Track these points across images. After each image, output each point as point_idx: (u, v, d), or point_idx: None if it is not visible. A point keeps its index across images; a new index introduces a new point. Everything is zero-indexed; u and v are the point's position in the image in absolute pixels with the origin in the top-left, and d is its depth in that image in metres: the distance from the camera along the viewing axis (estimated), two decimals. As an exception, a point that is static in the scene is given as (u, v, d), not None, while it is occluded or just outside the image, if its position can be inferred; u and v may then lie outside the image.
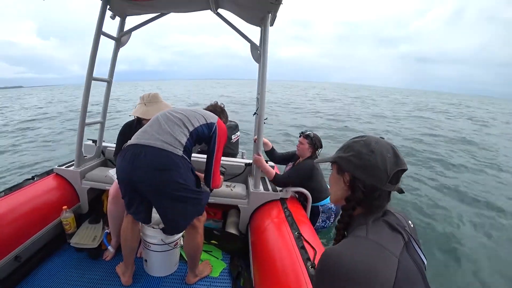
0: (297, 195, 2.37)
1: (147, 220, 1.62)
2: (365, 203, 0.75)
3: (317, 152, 2.34)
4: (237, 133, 3.04)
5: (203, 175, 1.71)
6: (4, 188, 1.91)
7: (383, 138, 0.79)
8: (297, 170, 2.19)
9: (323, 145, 2.38)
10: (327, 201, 2.31)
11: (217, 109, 1.90)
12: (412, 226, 0.80)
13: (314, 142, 2.29)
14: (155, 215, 1.63)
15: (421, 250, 0.72)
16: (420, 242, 0.77)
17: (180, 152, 1.45)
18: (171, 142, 1.44)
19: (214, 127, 1.63)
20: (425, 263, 0.72)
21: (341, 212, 0.81)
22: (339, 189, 0.80)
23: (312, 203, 2.27)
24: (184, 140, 1.48)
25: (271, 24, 2.03)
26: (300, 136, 2.38)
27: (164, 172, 1.40)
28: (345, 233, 0.80)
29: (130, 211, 1.57)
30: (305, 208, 2.24)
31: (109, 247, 1.95)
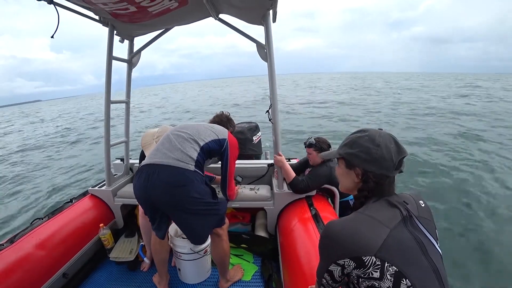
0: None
1: (165, 236, 1.68)
2: (376, 190, 0.82)
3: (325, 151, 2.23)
4: (258, 134, 3.03)
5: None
6: (47, 212, 2.08)
7: (382, 129, 0.86)
8: (315, 176, 2.07)
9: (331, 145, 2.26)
10: None
11: (223, 119, 1.93)
12: (423, 205, 0.84)
13: (321, 147, 2.18)
14: (178, 228, 1.68)
15: (427, 230, 0.78)
16: (432, 223, 0.82)
17: (192, 167, 1.48)
18: (183, 158, 1.48)
19: (225, 143, 1.66)
20: (434, 242, 0.77)
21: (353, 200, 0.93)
22: (351, 181, 0.88)
23: (342, 198, 2.19)
24: (195, 155, 1.51)
25: (274, 20, 1.98)
26: (305, 147, 2.26)
27: (179, 189, 1.44)
28: None
29: (153, 227, 1.64)
30: (333, 204, 2.17)
31: (145, 259, 2.05)
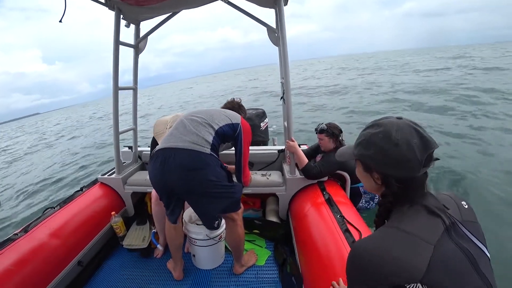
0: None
1: (178, 221, 1.68)
2: (402, 195, 0.68)
3: (340, 138, 2.21)
4: (265, 120, 3.01)
5: (233, 166, 1.75)
6: (59, 201, 2.07)
7: (401, 118, 0.69)
8: (328, 162, 2.06)
9: (342, 130, 2.24)
10: None
11: (234, 106, 1.91)
12: (466, 207, 0.72)
13: (332, 132, 2.16)
14: (192, 214, 1.68)
15: (476, 237, 0.65)
16: (478, 226, 0.69)
17: (208, 150, 1.47)
18: (198, 141, 1.46)
19: (238, 128, 1.64)
20: (484, 249, 0.64)
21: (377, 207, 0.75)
22: (371, 185, 0.75)
23: (352, 184, 2.19)
24: (210, 138, 1.50)
25: (285, 4, 1.94)
26: (316, 133, 2.25)
27: (196, 172, 1.43)
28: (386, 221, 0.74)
29: (167, 212, 1.64)
30: (345, 190, 2.17)
31: (158, 246, 2.06)
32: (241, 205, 1.71)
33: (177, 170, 1.43)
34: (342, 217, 1.62)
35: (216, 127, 1.55)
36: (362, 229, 1.51)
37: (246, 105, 2.07)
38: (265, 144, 2.96)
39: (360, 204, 2.29)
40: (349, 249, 1.35)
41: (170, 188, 1.50)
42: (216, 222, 1.68)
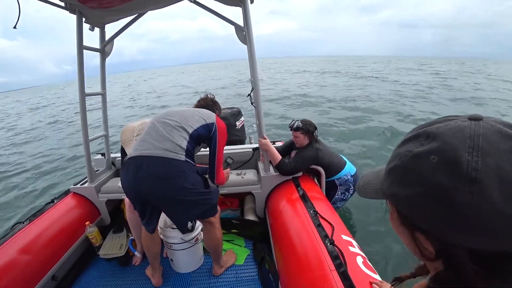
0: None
1: (155, 230, 1.65)
2: (481, 280, 0.34)
3: (314, 134, 2.24)
4: (241, 119, 3.01)
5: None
6: (28, 215, 2.00)
7: (480, 119, 0.36)
8: (302, 158, 2.10)
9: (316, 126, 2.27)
10: (342, 174, 2.25)
11: (208, 102, 1.85)
12: None
13: (307, 129, 2.20)
14: (167, 219, 1.66)
15: None
16: None
17: (183, 157, 1.44)
18: (172, 148, 1.42)
19: (213, 128, 1.60)
20: None
21: None
22: (415, 249, 0.41)
23: (328, 177, 2.23)
24: (184, 143, 1.46)
25: (251, 1, 1.94)
26: (291, 130, 2.25)
27: (170, 180, 1.40)
28: None
29: (143, 222, 1.60)
30: (320, 184, 2.21)
31: (136, 253, 2.03)
32: (218, 207, 1.71)
33: (150, 179, 1.39)
34: (315, 212, 1.65)
35: (191, 131, 1.51)
36: (335, 223, 1.55)
37: (220, 102, 2.04)
38: (242, 142, 2.96)
39: (336, 196, 2.34)
40: (321, 243, 1.39)
41: (144, 198, 1.46)
42: (190, 225, 1.67)
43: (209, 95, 1.91)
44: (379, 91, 12.63)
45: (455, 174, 0.33)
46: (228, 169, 2.00)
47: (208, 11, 2.01)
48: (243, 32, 1.96)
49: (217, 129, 1.60)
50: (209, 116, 1.63)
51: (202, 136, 1.56)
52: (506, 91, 12.71)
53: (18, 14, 1.52)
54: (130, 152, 1.49)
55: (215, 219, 1.66)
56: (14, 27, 1.60)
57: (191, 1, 1.99)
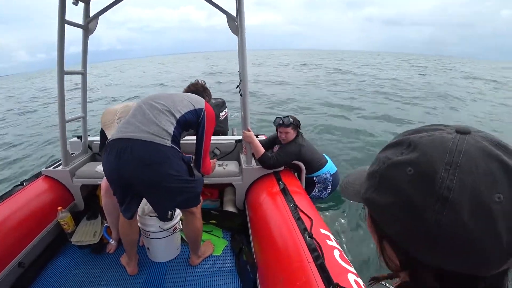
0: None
1: (134, 216, 1.61)
2: None
3: (299, 128, 2.27)
4: (225, 110, 2.98)
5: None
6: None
7: (468, 132, 0.33)
8: (285, 153, 2.13)
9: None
10: (321, 172, 2.30)
11: (198, 88, 1.82)
12: None
13: (296, 124, 2.22)
14: (145, 206, 1.62)
15: None
16: None
17: (169, 143, 1.41)
18: (158, 133, 1.39)
19: (202, 113, 1.57)
20: None
21: None
22: (381, 259, 0.42)
23: (308, 174, 2.27)
24: (171, 129, 1.43)
25: None
26: (280, 127, 2.23)
27: (155, 166, 1.36)
28: None
29: (121, 208, 1.55)
30: (300, 179, 2.25)
31: (111, 240, 1.97)
32: (201, 198, 1.69)
33: (134, 163, 1.35)
34: (295, 205, 1.68)
35: (178, 116, 1.47)
36: (314, 217, 1.59)
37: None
38: (225, 134, 2.95)
39: (314, 193, 2.40)
40: (300, 236, 1.42)
41: (126, 182, 1.41)
42: (170, 213, 1.65)
43: (200, 81, 1.88)
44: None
45: (428, 191, 0.31)
46: (215, 160, 1.99)
47: None
48: (235, 23, 1.94)
49: (205, 115, 1.58)
50: (198, 101, 1.60)
51: (190, 121, 1.54)
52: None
53: None
54: (113, 134, 1.44)
55: (197, 209, 1.65)
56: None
57: None
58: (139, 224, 1.76)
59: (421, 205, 0.32)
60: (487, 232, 0.29)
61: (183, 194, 1.50)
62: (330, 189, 2.41)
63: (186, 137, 2.26)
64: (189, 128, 1.59)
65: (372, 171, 0.40)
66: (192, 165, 1.63)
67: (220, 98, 3.00)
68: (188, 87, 1.84)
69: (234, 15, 1.89)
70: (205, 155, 1.66)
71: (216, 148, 2.13)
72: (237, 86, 1.94)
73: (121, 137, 1.38)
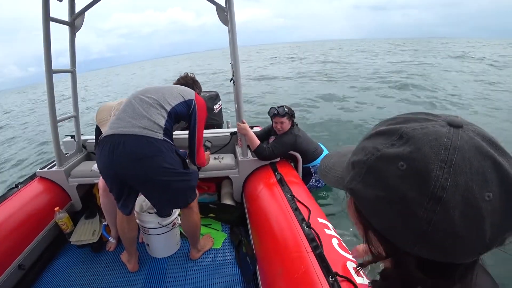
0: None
1: (132, 212, 1.61)
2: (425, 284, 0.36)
3: (293, 119, 2.25)
4: (219, 103, 2.96)
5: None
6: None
7: (460, 126, 0.33)
8: (281, 144, 2.12)
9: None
10: (318, 161, 2.30)
11: (188, 81, 1.80)
12: None
13: (291, 113, 2.20)
14: (143, 203, 1.62)
15: None
16: None
17: (161, 136, 1.40)
18: (150, 126, 1.38)
19: (193, 104, 1.56)
20: None
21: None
22: (366, 248, 0.42)
23: (304, 164, 2.27)
24: (162, 122, 1.42)
25: None
26: (275, 117, 2.20)
27: (148, 160, 1.36)
28: None
29: (119, 204, 1.55)
30: (297, 169, 2.25)
31: (110, 238, 1.97)
32: (197, 191, 1.69)
33: (127, 158, 1.34)
34: (293, 196, 1.68)
35: (169, 108, 1.46)
36: (312, 207, 1.59)
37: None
38: (220, 127, 2.93)
39: (311, 183, 2.40)
40: (298, 226, 1.43)
41: (121, 178, 1.41)
42: (170, 211, 1.65)
43: (189, 74, 1.86)
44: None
45: (422, 188, 0.31)
46: (208, 152, 1.97)
47: None
48: (225, 13, 1.90)
49: (196, 105, 1.57)
50: (188, 93, 1.59)
51: (181, 113, 1.53)
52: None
53: None
54: (105, 131, 1.43)
55: (194, 203, 1.64)
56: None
57: None
58: (137, 220, 1.76)
59: (413, 202, 0.32)
60: (475, 229, 0.30)
61: (178, 187, 1.50)
62: None
63: (178, 131, 2.24)
64: (180, 120, 1.57)
65: (357, 160, 0.38)
66: (187, 159, 1.62)
67: (214, 91, 2.97)
68: (178, 80, 1.82)
69: (224, 5, 1.85)
70: (199, 146, 1.66)
71: (207, 140, 2.11)
72: (231, 79, 1.92)
73: (113, 133, 1.37)
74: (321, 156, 2.32)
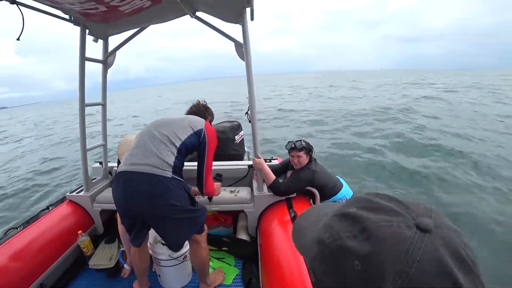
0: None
1: (142, 245, 1.64)
2: None
3: (311, 153, 2.18)
4: (240, 133, 2.97)
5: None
6: (22, 222, 2.02)
7: (428, 231, 0.31)
8: (297, 179, 2.06)
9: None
10: (337, 197, 2.19)
11: (200, 108, 1.85)
12: None
13: (309, 148, 2.14)
14: (157, 234, 1.65)
15: None
16: None
17: (170, 174, 1.43)
18: (159, 165, 1.42)
19: (202, 134, 1.59)
20: None
21: None
22: None
23: (322, 200, 2.17)
24: (171, 159, 1.46)
25: (252, 19, 1.94)
26: (292, 151, 2.15)
27: (158, 198, 1.40)
28: None
29: (130, 237, 1.60)
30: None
31: (125, 265, 2.02)
32: (205, 227, 1.69)
33: (138, 197, 1.40)
34: (305, 237, 1.60)
35: (179, 144, 1.50)
36: None
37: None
38: (241, 157, 2.91)
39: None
40: (305, 269, 1.35)
41: (133, 213, 1.47)
42: (180, 246, 1.65)
43: (201, 101, 1.91)
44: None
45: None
46: (219, 183, 1.97)
47: (209, 27, 2.02)
48: (242, 49, 1.96)
49: (206, 135, 1.59)
50: (198, 123, 1.62)
51: (192, 145, 1.56)
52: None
53: (22, 26, 1.57)
54: (120, 166, 1.50)
55: (202, 238, 1.64)
56: (18, 39, 1.63)
57: (192, 17, 2.01)
58: (150, 251, 1.79)
59: None
60: None
61: (186, 224, 1.52)
62: None
63: (188, 163, 2.28)
64: (192, 151, 1.61)
65: (322, 240, 0.38)
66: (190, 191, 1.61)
67: (236, 121, 3.00)
68: (190, 108, 1.88)
69: (242, 42, 1.92)
70: (207, 175, 1.65)
71: (217, 174, 2.10)
72: (246, 113, 1.94)
73: (126, 170, 1.44)
74: (341, 192, 2.21)
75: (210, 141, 1.61)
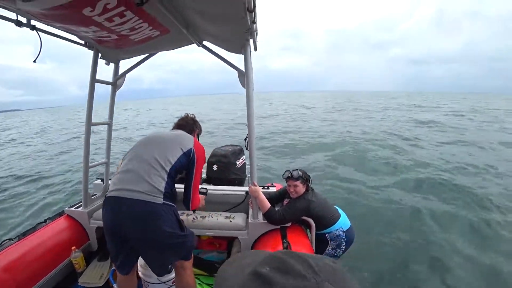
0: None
1: (130, 271, 1.63)
2: None
3: (308, 183, 2.19)
4: (241, 158, 2.99)
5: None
6: (18, 234, 2.05)
7: None
8: (292, 209, 2.05)
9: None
10: (334, 228, 2.15)
11: (189, 122, 1.90)
12: None
13: (306, 178, 2.15)
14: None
15: None
16: None
17: (160, 200, 1.44)
18: (150, 191, 1.43)
19: (192, 153, 1.62)
20: None
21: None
22: None
23: (318, 230, 2.14)
24: (162, 185, 1.47)
25: (255, 49, 2.01)
26: (289, 180, 2.17)
27: (149, 223, 1.41)
28: None
29: (116, 264, 1.59)
30: (309, 236, 2.13)
31: (115, 285, 2.00)
32: (192, 255, 1.68)
33: (128, 222, 1.41)
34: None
35: (168, 168, 1.51)
36: None
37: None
38: (241, 182, 2.92)
39: (327, 251, 2.23)
40: None
41: (121, 236, 1.47)
42: (168, 267, 1.64)
43: (189, 115, 1.96)
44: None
45: None
46: (204, 196, 2.00)
47: (215, 55, 2.11)
48: (244, 77, 2.03)
49: (195, 153, 1.62)
50: (187, 141, 1.65)
51: (182, 166, 1.58)
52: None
53: (39, 50, 1.67)
54: (110, 188, 1.52)
55: (188, 264, 1.63)
56: (34, 61, 1.74)
57: (199, 46, 2.11)
58: (140, 274, 1.78)
59: None
60: None
61: (174, 249, 1.52)
62: (344, 247, 2.22)
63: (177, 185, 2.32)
64: (182, 171, 1.63)
65: None
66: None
67: (238, 145, 3.04)
68: (178, 121, 1.92)
69: (243, 70, 1.99)
70: (195, 191, 1.67)
71: (202, 187, 2.12)
72: (245, 138, 1.98)
73: (115, 195, 1.45)
74: (338, 222, 2.18)
75: (198, 159, 1.64)
